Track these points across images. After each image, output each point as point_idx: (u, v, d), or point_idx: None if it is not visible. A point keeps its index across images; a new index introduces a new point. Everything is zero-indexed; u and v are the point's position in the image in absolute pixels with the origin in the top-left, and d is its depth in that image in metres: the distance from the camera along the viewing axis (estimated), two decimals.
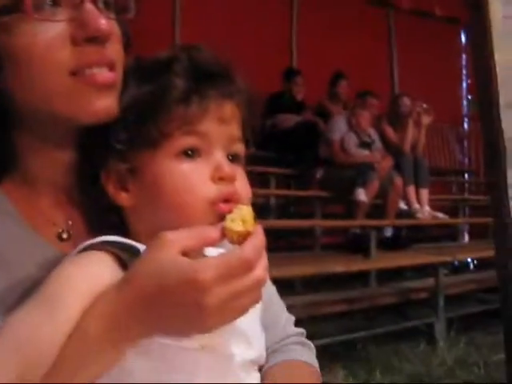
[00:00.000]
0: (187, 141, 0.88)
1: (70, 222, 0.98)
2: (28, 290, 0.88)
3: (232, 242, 0.80)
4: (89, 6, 0.86)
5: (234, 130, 0.92)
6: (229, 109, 0.90)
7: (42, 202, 0.97)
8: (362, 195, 6.22)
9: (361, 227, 6.33)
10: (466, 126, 10.68)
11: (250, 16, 7.48)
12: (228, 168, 0.88)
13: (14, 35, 0.84)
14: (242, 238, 0.79)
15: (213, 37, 6.23)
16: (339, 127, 6.64)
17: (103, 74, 0.88)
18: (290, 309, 1.16)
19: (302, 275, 5.11)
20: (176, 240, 0.78)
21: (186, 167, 0.87)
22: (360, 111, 6.65)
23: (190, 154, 0.88)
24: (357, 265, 5.34)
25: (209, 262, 0.76)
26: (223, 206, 0.86)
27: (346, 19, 8.56)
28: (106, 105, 0.88)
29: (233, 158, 0.92)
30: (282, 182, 7.14)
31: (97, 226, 0.94)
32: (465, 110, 10.73)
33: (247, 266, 0.77)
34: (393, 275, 6.22)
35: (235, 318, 0.80)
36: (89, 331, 0.77)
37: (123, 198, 0.91)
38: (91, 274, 0.81)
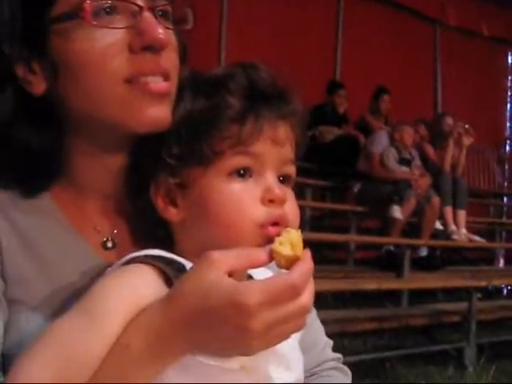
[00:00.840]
0: (239, 160, 0.87)
1: (116, 231, 0.98)
2: (69, 296, 0.89)
3: (279, 265, 0.79)
4: (147, 14, 0.86)
5: (287, 151, 0.90)
6: (283, 131, 0.89)
7: (88, 208, 0.97)
8: (397, 212, 6.17)
9: (395, 245, 6.27)
10: (507, 148, 10.53)
11: (296, 29, 7.49)
12: (278, 190, 0.87)
13: (71, 41, 0.85)
14: (289, 262, 0.78)
15: (258, 48, 6.30)
16: (381, 141, 6.59)
17: (158, 83, 0.87)
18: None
19: (334, 290, 5.07)
20: (223, 260, 0.77)
21: (237, 187, 0.86)
22: (404, 127, 6.59)
23: (241, 173, 0.87)
24: (389, 283, 5.29)
25: (255, 285, 0.75)
26: (272, 229, 0.85)
27: (391, 34, 8.52)
28: (158, 114, 0.87)
29: (283, 179, 0.91)
30: (318, 194, 7.12)
31: (142, 238, 0.94)
32: (507, 132, 10.58)
33: (294, 292, 0.75)
34: (425, 296, 6.15)
35: (278, 343, 0.79)
36: (131, 345, 0.77)
37: (171, 213, 0.90)
38: (135, 287, 0.81)
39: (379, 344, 4.98)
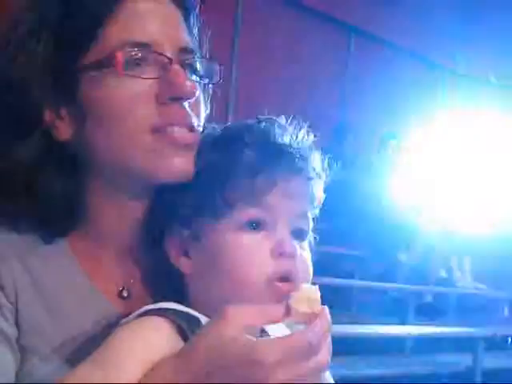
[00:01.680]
0: (251, 213, 0.87)
1: (132, 281, 0.98)
2: (83, 345, 0.89)
3: (296, 321, 0.79)
4: (176, 66, 0.88)
5: (302, 205, 0.91)
6: (296, 184, 0.89)
7: (105, 256, 0.97)
8: (403, 257, 6.14)
9: (399, 290, 6.22)
10: None
11: (306, 74, 7.57)
12: (289, 245, 0.87)
13: (100, 89, 0.87)
14: (307, 319, 0.77)
15: (268, 90, 6.35)
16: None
17: (183, 134, 0.89)
18: None
19: (338, 336, 5.01)
20: (239, 316, 0.76)
21: (248, 240, 0.87)
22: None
23: (254, 226, 0.87)
24: (393, 330, 5.23)
25: (271, 343, 0.75)
26: (281, 285, 0.85)
27: (399, 78, 8.60)
28: (183, 164, 0.89)
29: (298, 234, 0.91)
30: (323, 237, 7.08)
31: (158, 288, 0.95)
32: None
33: (311, 351, 0.75)
34: (429, 343, 6.07)
35: None
36: None
37: (184, 264, 0.90)
38: (150, 340, 0.80)
39: None
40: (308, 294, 0.79)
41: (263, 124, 0.92)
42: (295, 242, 0.89)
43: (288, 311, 0.78)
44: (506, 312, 8.60)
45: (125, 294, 0.97)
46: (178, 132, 0.89)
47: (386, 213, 6.45)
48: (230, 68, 7.12)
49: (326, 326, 0.77)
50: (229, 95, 6.87)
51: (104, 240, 0.96)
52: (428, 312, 6.28)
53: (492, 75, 9.69)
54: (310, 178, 0.91)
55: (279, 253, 0.86)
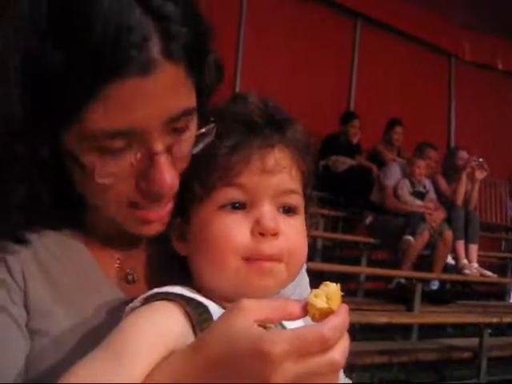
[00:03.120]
0: (229, 193, 0.86)
1: (138, 266, 0.99)
2: (91, 328, 0.89)
3: (314, 319, 0.75)
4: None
5: (283, 181, 0.88)
6: (272, 159, 0.87)
7: (109, 244, 0.98)
8: (410, 245, 6.15)
9: (406, 278, 6.23)
10: None
11: (312, 61, 7.57)
12: (269, 222, 0.85)
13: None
14: (324, 316, 0.74)
15: (275, 80, 6.35)
16: (394, 173, 6.60)
17: (156, 211, 0.90)
18: None
19: None
20: (254, 309, 0.74)
21: (227, 220, 0.86)
22: (417, 160, 6.59)
23: (235, 206, 0.86)
24: (399, 317, 5.24)
25: (282, 334, 0.71)
26: (264, 263, 0.85)
27: (406, 66, 8.58)
28: (149, 232, 0.93)
29: (287, 210, 0.89)
30: (329, 224, 7.12)
31: (164, 272, 0.96)
32: None
33: (323, 345, 0.70)
34: (435, 329, 6.08)
35: None
36: None
37: (181, 248, 0.92)
38: (160, 325, 0.80)
39: (388, 378, 4.90)
40: (327, 290, 0.76)
41: (237, 101, 0.92)
42: (284, 218, 0.88)
43: (306, 308, 0.76)
44: None
45: (130, 277, 0.98)
46: (150, 208, 0.88)
47: (392, 200, 6.46)
48: (235, 54, 7.13)
49: (342, 323, 0.73)
50: (234, 81, 6.88)
51: (109, 233, 0.97)
52: (434, 299, 6.29)
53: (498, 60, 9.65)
54: (292, 152, 0.89)
55: (259, 232, 0.85)
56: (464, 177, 6.97)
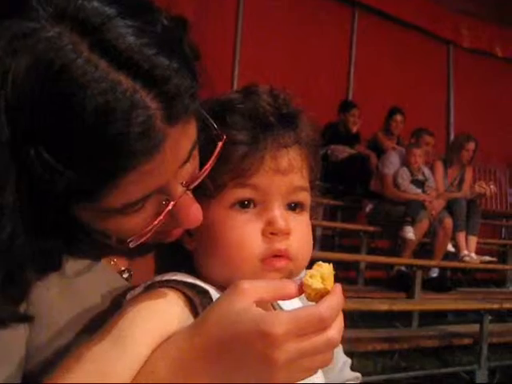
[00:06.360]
0: (240, 193, 0.87)
1: (132, 265, 0.99)
2: (92, 317, 0.89)
3: (309, 298, 0.78)
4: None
5: (294, 180, 0.89)
6: (286, 160, 0.88)
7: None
8: (410, 233, 6.15)
9: (406, 265, 6.24)
10: None
11: (310, 49, 7.55)
12: (281, 222, 0.87)
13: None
14: (319, 296, 0.77)
15: (273, 70, 6.34)
16: (393, 162, 6.60)
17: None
18: None
19: (344, 310, 5.04)
20: (252, 290, 0.76)
21: (239, 219, 0.87)
22: (414, 149, 6.58)
23: (245, 204, 0.87)
24: (400, 305, 5.25)
25: (282, 315, 0.74)
26: (275, 261, 0.86)
27: (404, 54, 8.56)
28: None
29: (295, 206, 0.90)
30: (329, 213, 7.13)
31: (160, 266, 0.97)
32: None
33: (321, 325, 0.74)
34: (436, 317, 6.10)
35: (303, 378, 0.77)
36: (157, 371, 0.77)
37: (187, 241, 0.93)
38: (160, 311, 0.81)
39: (389, 365, 4.93)
40: (322, 270, 0.79)
41: (249, 97, 0.90)
42: (292, 216, 0.89)
43: (301, 288, 0.78)
44: None
45: (125, 275, 0.98)
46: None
47: (392, 189, 6.47)
48: (233, 43, 7.10)
49: (337, 302, 0.76)
50: (232, 72, 6.86)
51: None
52: (435, 286, 6.30)
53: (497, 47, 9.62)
54: (303, 150, 0.90)
55: (270, 232, 0.87)
56: (470, 172, 6.95)
